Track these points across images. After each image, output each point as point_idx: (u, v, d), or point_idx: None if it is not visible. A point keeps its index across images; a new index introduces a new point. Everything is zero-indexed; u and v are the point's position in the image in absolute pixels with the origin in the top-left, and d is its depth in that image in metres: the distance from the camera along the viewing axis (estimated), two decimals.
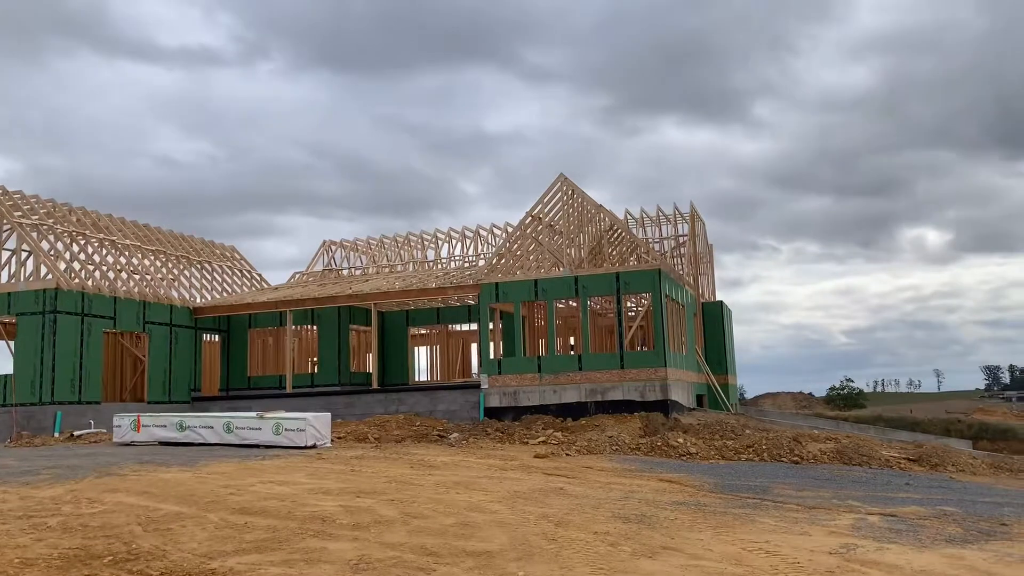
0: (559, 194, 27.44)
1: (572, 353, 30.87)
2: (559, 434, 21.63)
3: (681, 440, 19.06)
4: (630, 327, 26.85)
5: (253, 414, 20.08)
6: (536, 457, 17.92)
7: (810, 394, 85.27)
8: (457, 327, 41.69)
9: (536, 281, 26.83)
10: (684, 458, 18.41)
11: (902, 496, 13.56)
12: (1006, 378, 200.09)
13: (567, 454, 18.30)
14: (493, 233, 40.52)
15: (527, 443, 20.62)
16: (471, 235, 40.91)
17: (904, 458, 18.40)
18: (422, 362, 41.94)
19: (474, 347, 43.11)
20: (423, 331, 41.56)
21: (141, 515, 10.33)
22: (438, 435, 22.86)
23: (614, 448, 19.07)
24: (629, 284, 25.70)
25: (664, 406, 24.77)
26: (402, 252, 41.49)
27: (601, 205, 26.84)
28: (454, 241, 41.35)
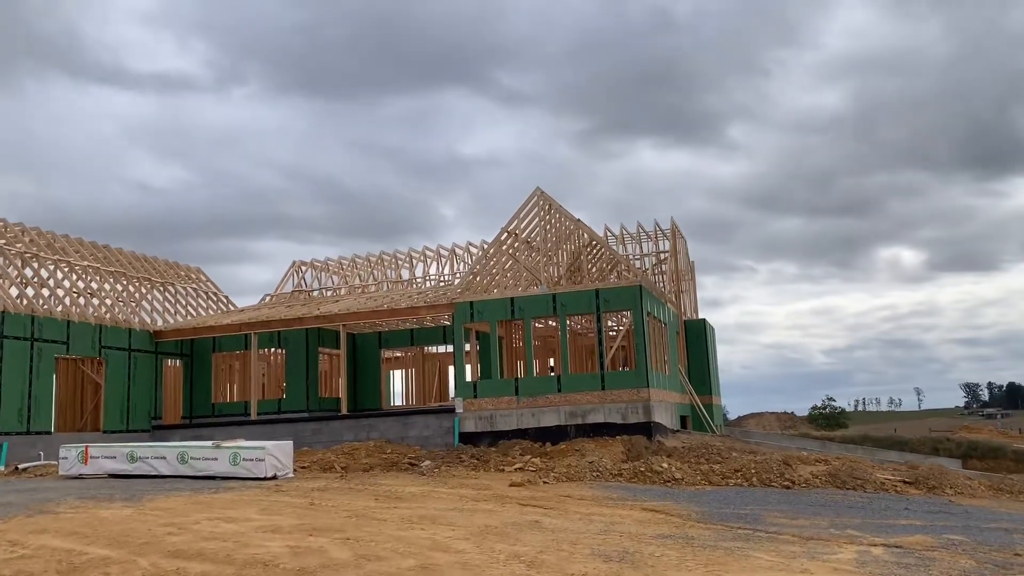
0: (536, 209, 26.63)
1: (551, 374, 29.96)
2: (537, 460, 20.65)
3: (666, 465, 18.16)
4: (611, 346, 25.99)
5: (209, 443, 18.94)
6: (512, 486, 16.93)
7: (793, 414, 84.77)
8: (433, 349, 40.66)
9: (512, 299, 25.93)
10: (669, 484, 17.50)
11: (903, 523, 12.72)
12: (985, 395, 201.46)
13: (545, 482, 17.32)
14: (469, 252, 39.63)
15: (503, 471, 19.62)
16: (447, 254, 39.99)
17: (900, 481, 17.60)
18: (397, 386, 40.83)
19: (451, 370, 42.01)
20: (398, 354, 40.47)
21: (63, 561, 9.25)
22: (409, 463, 21.79)
23: (595, 474, 18.12)
24: (609, 301, 24.87)
25: (647, 428, 23.87)
26: (375, 272, 40.48)
27: (579, 220, 26.05)
28: (429, 260, 40.41)
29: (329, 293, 39.85)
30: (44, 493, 16.15)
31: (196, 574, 8.41)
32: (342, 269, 41.17)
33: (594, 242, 26.28)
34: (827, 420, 79.49)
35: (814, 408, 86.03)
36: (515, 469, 19.51)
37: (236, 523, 11.68)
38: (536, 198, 26.54)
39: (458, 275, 38.56)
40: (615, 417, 24.22)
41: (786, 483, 17.60)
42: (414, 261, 40.53)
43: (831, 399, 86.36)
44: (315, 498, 15.02)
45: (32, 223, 28.82)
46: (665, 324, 28.73)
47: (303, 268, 41.76)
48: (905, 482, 17.58)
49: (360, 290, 39.06)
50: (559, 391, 24.93)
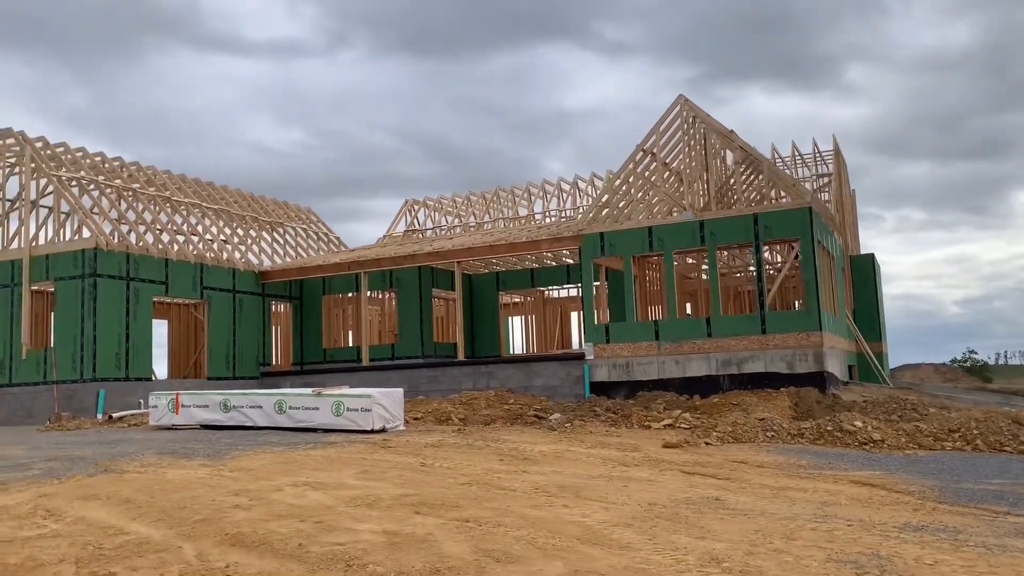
0: (678, 121, 23.09)
1: (699, 317, 26.62)
2: (688, 415, 17.62)
3: (859, 423, 14.74)
4: (771, 284, 22.41)
5: (308, 391, 16.91)
6: (666, 447, 14.01)
7: (959, 364, 77.75)
8: (555, 292, 37.98)
9: (651, 229, 22.69)
10: (867, 447, 14.12)
11: None
12: None
13: (707, 443, 14.30)
14: (594, 184, 36.43)
15: (649, 427, 16.71)
16: (568, 188, 36.95)
17: None
18: (516, 334, 38.48)
19: (574, 315, 39.26)
20: (516, 299, 38.04)
21: (90, 544, 7.05)
22: (535, 415, 19.23)
23: (769, 434, 14.93)
24: (771, 228, 21.23)
25: (819, 379, 20.36)
26: (491, 210, 37.95)
27: (732, 131, 22.35)
28: (549, 196, 37.50)
29: (443, 232, 37.67)
30: (124, 446, 14.48)
31: (252, 575, 5.96)
32: (456, 207, 38.88)
33: (750, 159, 22.55)
34: (970, 373, 73.07)
35: (954, 361, 79.56)
36: (664, 426, 16.57)
37: (325, 491, 9.31)
38: (679, 107, 22.97)
39: (580, 210, 35.51)
40: (779, 366, 20.79)
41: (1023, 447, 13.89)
42: (532, 197, 37.71)
43: (972, 351, 79.33)
44: (427, 456, 12.60)
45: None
46: (834, 258, 24.80)
47: (415, 207, 39.75)
48: None
49: (475, 228, 36.67)
50: (709, 336, 21.68)
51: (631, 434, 16.00)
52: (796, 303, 32.44)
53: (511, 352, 36.81)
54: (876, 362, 28.91)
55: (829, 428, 14.86)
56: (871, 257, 32.37)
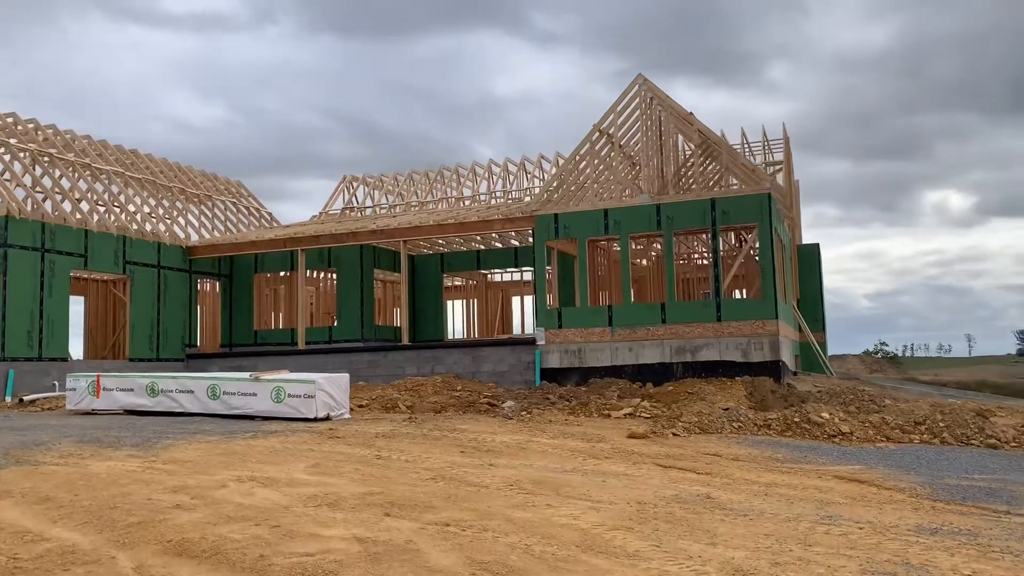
0: (636, 100, 22.47)
1: (652, 303, 26.19)
2: (647, 404, 17.10)
3: (827, 415, 14.41)
4: (727, 272, 22.06)
5: (246, 376, 15.75)
6: (631, 437, 13.40)
7: (883, 355, 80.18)
8: (497, 276, 37.17)
9: (607, 211, 22.06)
10: (836, 439, 13.78)
11: None
12: None
13: (674, 433, 13.74)
14: (542, 167, 35.68)
15: (609, 416, 16.11)
16: (515, 167, 36.11)
17: None
18: (457, 318, 37.51)
19: (516, 300, 38.56)
20: (458, 282, 37.10)
21: (2, 554, 5.98)
22: (487, 403, 18.45)
23: (735, 425, 14.47)
24: (728, 214, 20.84)
25: (774, 368, 20.11)
26: (434, 189, 36.82)
27: (691, 113, 21.85)
28: (495, 177, 36.56)
29: (383, 211, 36.40)
30: (37, 433, 13.12)
31: None
32: (398, 185, 37.62)
33: (707, 143, 22.10)
34: (896, 364, 75.89)
35: (867, 352, 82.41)
36: (624, 415, 15.99)
37: (276, 488, 8.35)
38: (638, 87, 22.34)
39: (528, 192, 34.76)
40: (733, 354, 20.46)
41: (990, 441, 13.74)
42: (477, 177, 36.72)
43: (883, 343, 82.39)
44: (381, 448, 11.71)
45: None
46: (784, 246, 24.66)
47: (354, 184, 38.32)
48: None
49: (418, 207, 35.52)
50: (663, 322, 21.21)
51: (592, 423, 15.36)
52: (741, 291, 32.45)
53: (451, 337, 35.90)
54: (821, 352, 29.03)
55: (796, 420, 14.48)
56: (816, 247, 32.54)
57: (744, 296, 31.83)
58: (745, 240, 30.65)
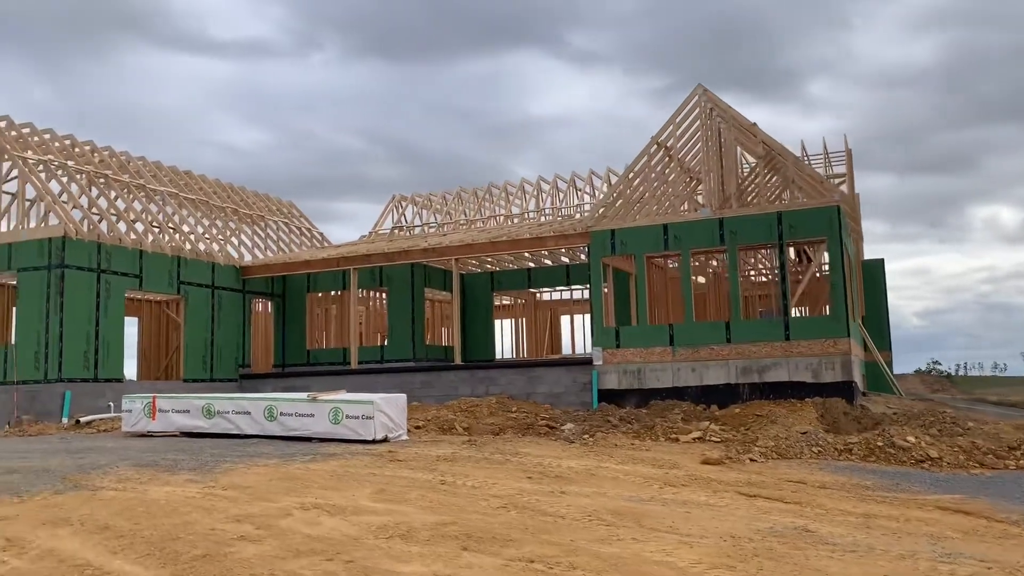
0: (696, 111, 21.89)
1: (716, 321, 25.43)
2: (715, 427, 16.39)
3: (913, 439, 13.60)
4: (796, 285, 21.29)
5: (303, 396, 15.45)
6: (705, 463, 12.75)
7: (946, 374, 77.38)
8: (546, 296, 36.69)
9: (666, 226, 21.47)
10: (925, 465, 12.95)
11: None
12: None
13: (750, 459, 13.06)
14: (592, 184, 35.20)
15: (677, 440, 15.45)
16: (565, 184, 35.67)
17: None
18: (506, 337, 37.04)
19: (565, 319, 38.02)
20: (506, 301, 36.68)
21: None
22: (546, 425, 17.92)
23: (815, 450, 13.72)
24: (795, 228, 20.10)
25: (846, 389, 19.27)
26: (483, 207, 36.54)
27: (754, 124, 21.19)
28: (543, 194, 36.15)
29: (432, 230, 36.22)
30: (94, 456, 12.94)
31: None
32: (446, 204, 37.43)
33: (771, 154, 21.41)
34: (957, 384, 73.16)
35: (918, 371, 79.60)
36: (693, 439, 15.32)
37: (344, 517, 7.92)
38: (697, 98, 21.77)
39: (579, 208, 34.30)
40: (803, 375, 19.66)
41: None
42: (526, 195, 36.34)
43: (936, 362, 79.21)
44: (444, 472, 11.24)
45: None
46: (851, 261, 23.77)
47: (403, 203, 38.25)
48: None
49: (466, 226, 35.26)
50: (728, 341, 20.50)
51: (660, 448, 14.72)
52: (802, 310, 31.51)
53: (500, 357, 35.45)
54: (889, 372, 27.95)
55: (879, 444, 13.69)
56: (880, 262, 31.49)
57: (804, 314, 30.92)
58: (806, 256, 29.78)
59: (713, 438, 15.37)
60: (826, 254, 20.42)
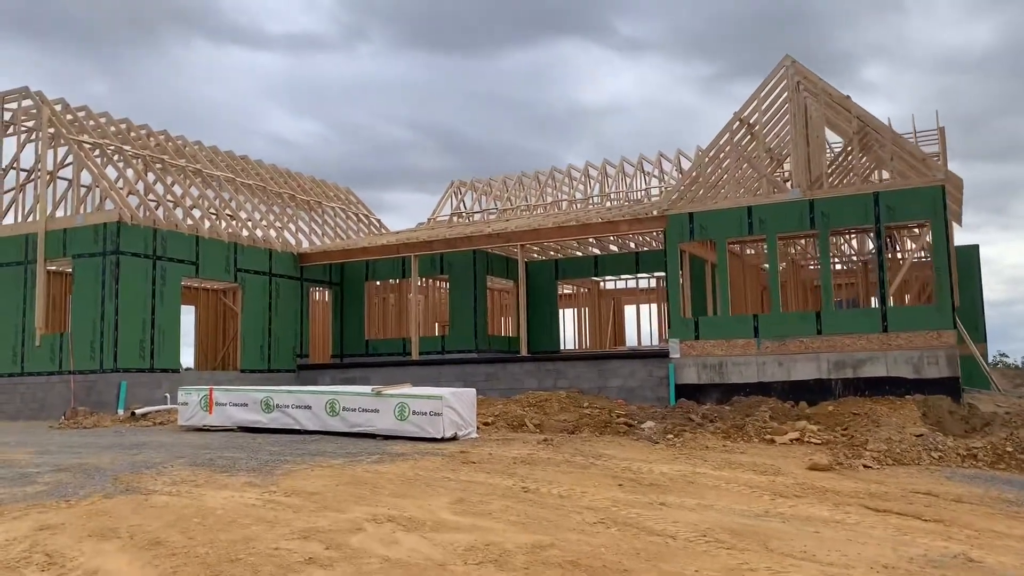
0: (782, 83, 20.45)
1: (805, 311, 24.01)
2: (813, 427, 15.11)
3: None
4: (893, 273, 19.78)
5: (367, 389, 14.62)
6: (813, 469, 11.52)
7: (1015, 367, 74.04)
8: (609, 284, 35.47)
9: (750, 209, 20.14)
10: None
11: None
12: None
13: (864, 465, 11.78)
14: (661, 167, 33.83)
15: (772, 441, 14.23)
16: (632, 168, 34.36)
17: None
18: (568, 327, 35.94)
19: (629, 309, 36.77)
20: (568, 290, 35.56)
21: None
22: (624, 423, 16.80)
23: (934, 455, 12.38)
24: (894, 209, 18.59)
25: (952, 386, 17.80)
26: (544, 193, 35.44)
27: (847, 97, 19.69)
28: (609, 179, 34.89)
29: (493, 216, 35.27)
30: (149, 452, 12.27)
31: None
32: (507, 189, 36.42)
33: (865, 130, 19.88)
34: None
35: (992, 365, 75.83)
36: (791, 440, 14.07)
37: (423, 534, 6.96)
38: (784, 70, 20.32)
39: (646, 192, 32.99)
40: (903, 369, 18.20)
41: None
42: (590, 179, 35.14)
43: (1004, 355, 75.53)
44: (524, 478, 10.25)
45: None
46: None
47: (462, 189, 37.37)
48: None
49: (528, 212, 34.21)
50: (819, 333, 19.13)
51: (755, 450, 13.52)
52: (884, 299, 29.70)
53: (564, 346, 34.38)
54: (986, 366, 26.14)
55: (1009, 449, 12.28)
56: (975, 248, 29.54)
57: (893, 304, 29.09)
58: (896, 240, 28.05)
59: (812, 439, 14.11)
60: (928, 237, 18.86)
